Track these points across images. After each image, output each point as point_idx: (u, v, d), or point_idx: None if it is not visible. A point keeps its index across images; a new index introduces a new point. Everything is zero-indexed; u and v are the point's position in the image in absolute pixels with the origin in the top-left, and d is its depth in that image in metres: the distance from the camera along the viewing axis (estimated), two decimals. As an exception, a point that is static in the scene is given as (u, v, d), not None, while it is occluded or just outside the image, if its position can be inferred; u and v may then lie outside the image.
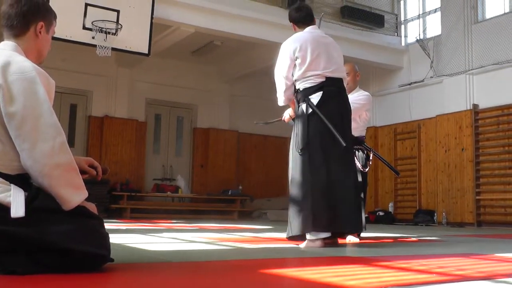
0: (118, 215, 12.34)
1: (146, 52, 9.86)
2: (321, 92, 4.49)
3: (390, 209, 13.28)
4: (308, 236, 4.30)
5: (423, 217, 12.12)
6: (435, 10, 13.05)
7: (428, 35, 13.06)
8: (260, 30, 11.37)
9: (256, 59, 13.33)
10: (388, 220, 12.78)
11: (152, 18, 9.80)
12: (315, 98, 4.48)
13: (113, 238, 4.02)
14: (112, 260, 2.44)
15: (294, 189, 4.45)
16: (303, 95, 4.56)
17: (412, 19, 13.93)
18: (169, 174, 14.64)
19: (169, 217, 12.63)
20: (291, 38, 4.69)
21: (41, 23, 2.58)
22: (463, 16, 12.08)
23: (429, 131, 12.81)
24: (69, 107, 13.39)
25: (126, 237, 5.21)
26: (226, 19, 10.96)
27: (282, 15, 11.63)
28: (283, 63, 4.62)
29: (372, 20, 13.23)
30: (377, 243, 5.29)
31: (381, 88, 14.07)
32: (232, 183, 14.92)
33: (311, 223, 4.24)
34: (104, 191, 12.19)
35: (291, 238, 4.48)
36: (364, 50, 12.66)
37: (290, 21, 4.91)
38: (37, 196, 2.24)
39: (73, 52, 11.79)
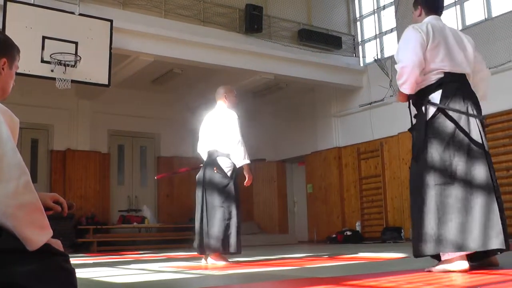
0: (85, 249, 12.15)
1: (106, 83, 9.80)
2: (441, 90, 3.85)
3: (358, 228, 13.33)
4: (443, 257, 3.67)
5: (391, 234, 12.20)
6: (391, 30, 13.27)
7: (386, 55, 13.20)
8: (219, 57, 11.41)
9: (217, 85, 13.29)
10: (356, 239, 12.83)
11: (111, 48, 9.76)
12: (436, 96, 3.87)
13: (81, 273, 3.96)
14: (79, 295, 2.40)
15: (414, 205, 3.89)
16: (420, 98, 4.00)
17: (369, 40, 14.15)
18: (134, 204, 14.50)
19: (136, 248, 12.49)
20: (413, 25, 4.02)
21: (3, 60, 2.49)
22: (418, 35, 12.31)
23: (392, 149, 12.95)
24: (30, 142, 13.20)
25: (93, 271, 5.14)
26: (185, 47, 10.98)
27: (240, 41, 11.77)
28: (412, 42, 3.90)
29: (330, 42, 13.41)
30: (346, 262, 5.30)
31: (342, 109, 14.21)
32: (199, 210, 14.80)
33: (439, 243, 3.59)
34: (70, 225, 11.99)
35: (420, 256, 3.74)
36: (323, 71, 12.80)
37: (417, 5, 4.19)
38: (-1, 236, 2.19)
39: (32, 86, 11.49)
